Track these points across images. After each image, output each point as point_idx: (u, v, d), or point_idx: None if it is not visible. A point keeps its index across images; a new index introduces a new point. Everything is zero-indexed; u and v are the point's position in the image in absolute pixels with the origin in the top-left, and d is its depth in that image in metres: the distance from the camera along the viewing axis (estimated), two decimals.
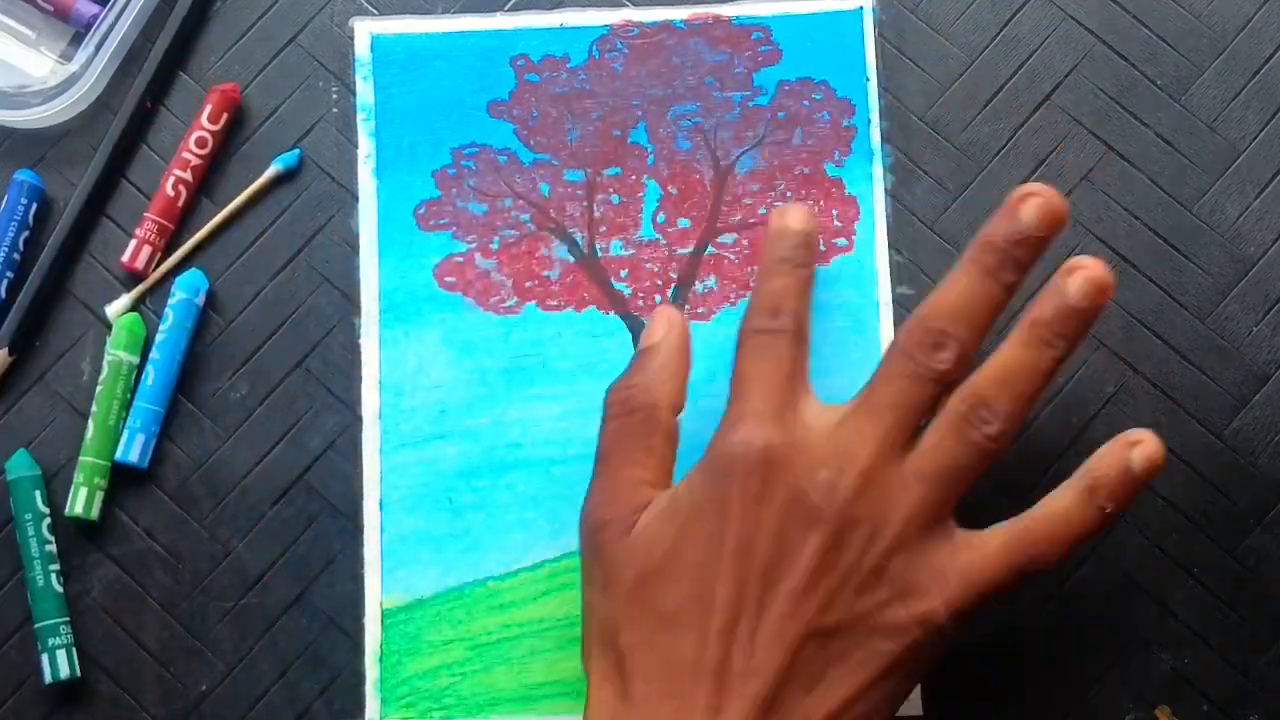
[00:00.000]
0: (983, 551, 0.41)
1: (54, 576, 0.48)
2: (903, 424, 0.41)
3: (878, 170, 0.51)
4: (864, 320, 0.50)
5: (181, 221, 0.51)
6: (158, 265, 0.51)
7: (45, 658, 0.48)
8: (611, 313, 0.50)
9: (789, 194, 0.51)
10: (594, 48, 0.52)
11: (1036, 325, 0.42)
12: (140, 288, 0.51)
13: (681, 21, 0.52)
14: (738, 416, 0.42)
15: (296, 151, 0.51)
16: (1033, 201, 0.42)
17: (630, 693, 0.40)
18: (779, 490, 0.41)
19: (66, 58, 0.52)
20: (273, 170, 0.51)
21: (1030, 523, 0.42)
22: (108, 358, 0.49)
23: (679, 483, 0.43)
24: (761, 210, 0.51)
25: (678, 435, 0.44)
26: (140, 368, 0.50)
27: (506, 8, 0.53)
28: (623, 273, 0.51)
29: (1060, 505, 0.41)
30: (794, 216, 0.46)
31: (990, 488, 0.49)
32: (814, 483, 0.41)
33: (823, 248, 0.51)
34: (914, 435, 0.42)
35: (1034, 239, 0.42)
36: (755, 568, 0.40)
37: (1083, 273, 0.41)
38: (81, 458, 0.49)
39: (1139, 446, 0.41)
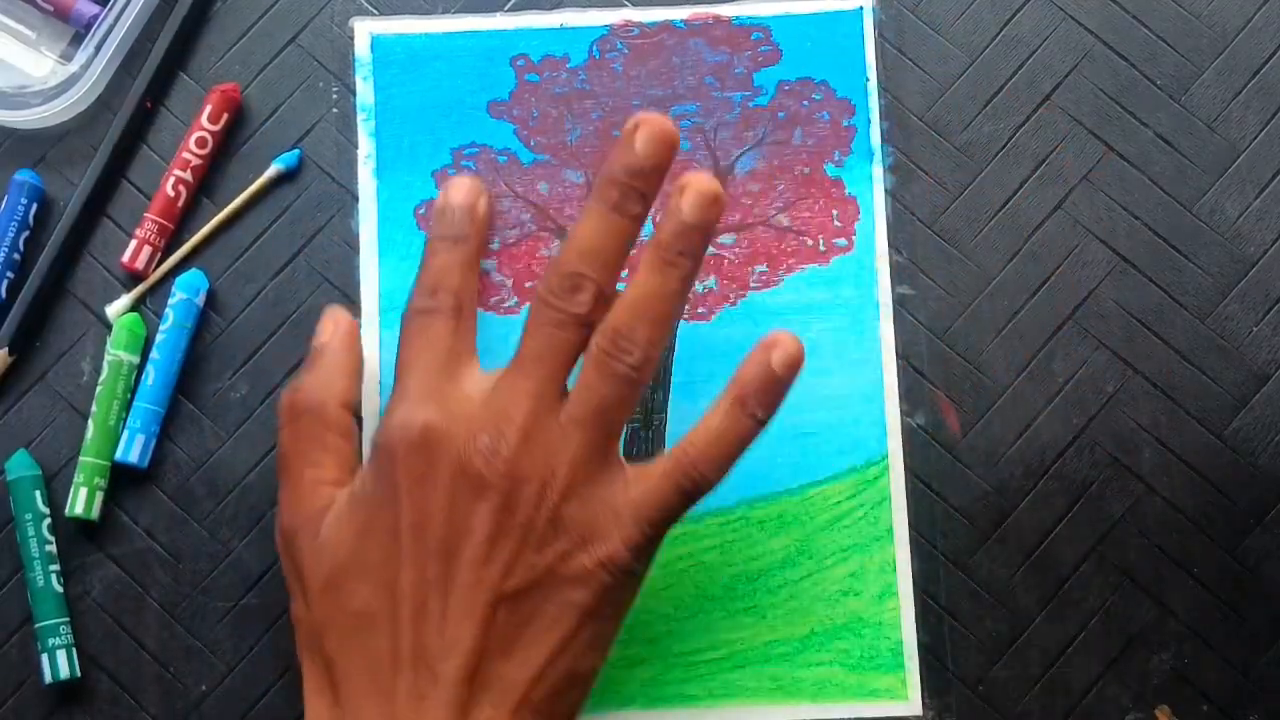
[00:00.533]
0: (648, 483, 0.41)
1: (54, 576, 0.48)
2: (554, 374, 0.42)
3: (878, 170, 0.51)
4: (864, 320, 0.50)
5: (181, 221, 0.51)
6: (158, 265, 0.51)
7: (45, 658, 0.48)
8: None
9: (789, 194, 0.51)
10: (594, 48, 0.52)
11: (659, 248, 0.42)
12: (140, 288, 0.51)
13: (681, 21, 0.52)
14: (396, 401, 0.42)
15: (296, 151, 0.51)
16: (643, 131, 0.42)
17: (340, 697, 0.41)
18: (442, 465, 0.41)
19: (66, 58, 0.52)
20: (273, 170, 0.51)
21: (687, 445, 0.42)
22: (108, 358, 0.49)
23: (355, 478, 0.43)
24: (772, 214, 0.51)
25: (354, 431, 0.44)
26: (140, 368, 0.50)
27: (506, 8, 0.53)
28: (622, 273, 0.51)
29: (714, 421, 0.42)
30: (456, 190, 0.46)
31: (990, 489, 0.49)
32: (475, 450, 0.41)
33: (823, 248, 0.51)
34: (565, 384, 0.42)
35: (650, 167, 0.42)
36: (431, 546, 0.40)
37: (693, 188, 0.42)
38: (81, 458, 0.49)
39: (777, 349, 0.42)
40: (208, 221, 0.51)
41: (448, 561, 0.40)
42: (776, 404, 0.42)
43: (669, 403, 0.49)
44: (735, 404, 0.42)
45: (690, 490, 0.42)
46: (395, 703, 0.40)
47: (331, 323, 0.46)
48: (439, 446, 0.41)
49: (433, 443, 0.41)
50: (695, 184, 0.42)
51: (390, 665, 0.40)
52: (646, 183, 0.42)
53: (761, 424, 0.42)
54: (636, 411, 0.49)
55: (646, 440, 0.49)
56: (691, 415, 0.49)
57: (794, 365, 0.42)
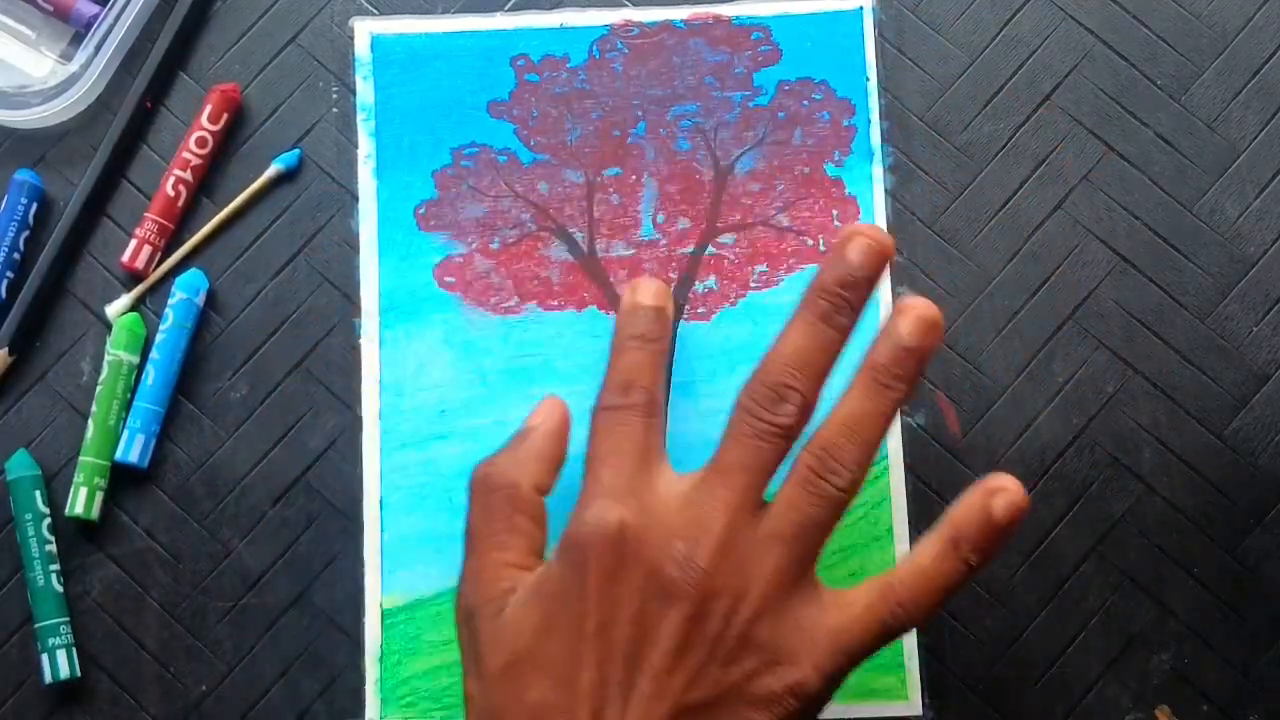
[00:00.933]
0: (849, 613, 0.40)
1: (54, 576, 0.48)
2: (753, 485, 0.41)
3: (878, 170, 0.51)
4: (864, 321, 0.50)
5: (181, 221, 0.51)
6: (158, 265, 0.51)
7: (45, 658, 0.48)
8: (611, 313, 0.50)
9: (789, 194, 0.51)
10: (594, 48, 0.52)
11: (874, 370, 0.41)
12: (140, 288, 0.51)
13: (681, 21, 0.52)
14: (590, 496, 0.41)
15: (296, 151, 0.51)
16: (858, 242, 0.41)
17: None
18: (634, 568, 0.40)
19: (66, 58, 0.52)
20: (273, 170, 0.51)
21: (895, 580, 0.40)
22: (108, 358, 0.49)
23: (544, 564, 0.42)
24: (772, 214, 0.51)
25: (545, 516, 0.44)
26: (140, 368, 0.50)
27: (506, 8, 0.53)
28: (623, 273, 0.51)
29: (924, 560, 0.40)
30: (645, 292, 0.45)
31: None
32: (669, 556, 0.40)
33: (823, 248, 0.51)
34: (765, 494, 0.41)
35: (863, 279, 0.41)
36: (617, 650, 0.39)
37: (912, 312, 0.41)
38: (81, 458, 0.49)
39: (1000, 495, 0.40)
40: (208, 221, 0.51)
41: (631, 667, 0.39)
42: (994, 554, 0.40)
43: (669, 403, 0.49)
44: (949, 546, 0.40)
45: (894, 629, 0.40)
46: None
47: (546, 409, 0.46)
48: (632, 547, 0.40)
49: (627, 543, 0.40)
50: (916, 308, 0.41)
51: None
52: (857, 294, 0.41)
53: (974, 571, 0.40)
54: None
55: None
56: (692, 415, 0.49)
57: (1018, 514, 0.40)
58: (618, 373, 0.44)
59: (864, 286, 0.42)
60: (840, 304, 0.41)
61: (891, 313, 0.42)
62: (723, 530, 0.40)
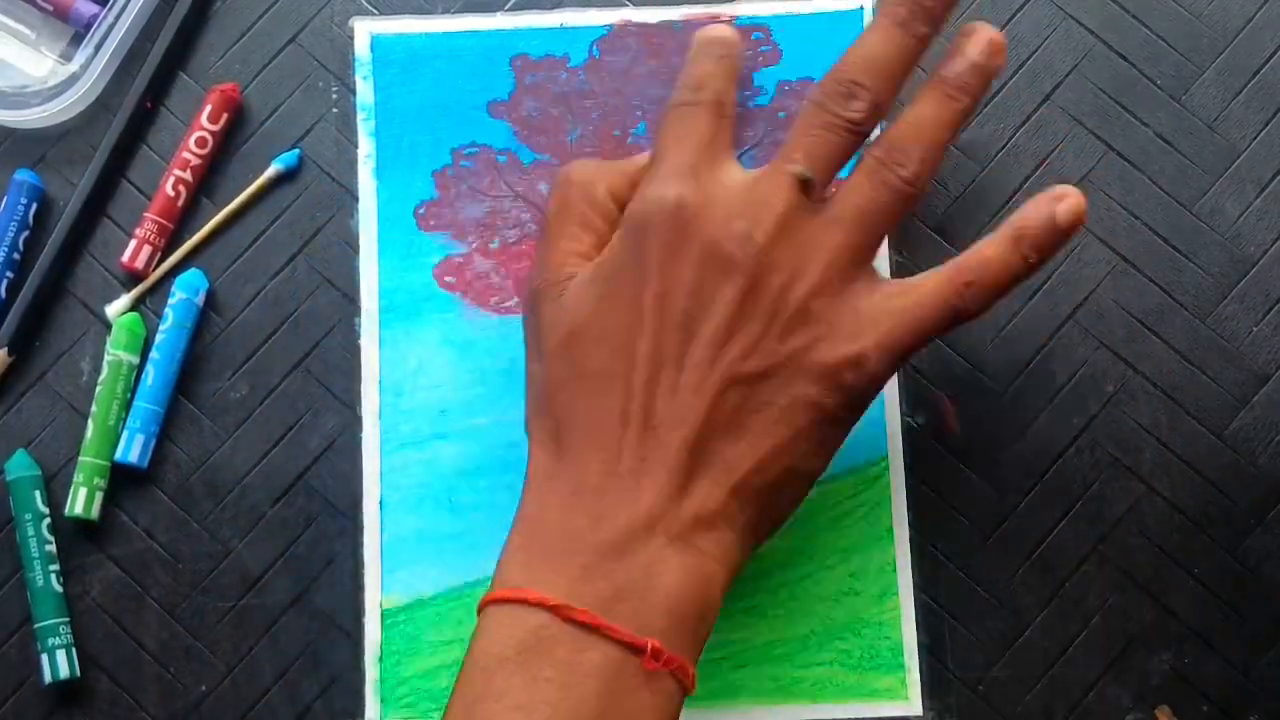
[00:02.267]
0: (916, 292, 0.42)
1: (54, 576, 0.48)
2: (818, 173, 0.42)
3: None
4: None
5: (181, 221, 0.51)
6: (157, 265, 0.51)
7: (45, 658, 0.48)
8: None
9: None
10: (594, 48, 0.52)
11: (943, 81, 0.43)
12: (140, 288, 0.51)
13: (681, 21, 0.52)
14: (653, 176, 0.43)
15: (296, 151, 0.51)
16: None
17: (563, 450, 0.41)
18: (693, 242, 0.41)
19: (66, 58, 0.52)
20: (273, 170, 0.51)
21: (961, 264, 0.42)
22: (107, 358, 0.49)
23: (605, 249, 0.43)
24: None
25: (616, 218, 0.44)
26: (140, 368, 0.50)
27: (506, 8, 0.53)
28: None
29: (989, 251, 0.42)
30: (718, 29, 0.46)
31: (990, 491, 0.49)
32: (729, 233, 0.41)
33: None
34: (828, 185, 0.43)
35: None
36: (673, 320, 0.41)
37: (983, 34, 0.43)
38: (81, 458, 0.49)
39: (1065, 200, 0.42)
40: (207, 221, 0.51)
41: (687, 336, 0.41)
42: (1051, 254, 0.43)
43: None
44: (1013, 241, 0.42)
45: (960, 312, 0.42)
46: (620, 459, 0.40)
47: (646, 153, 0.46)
48: (693, 223, 0.41)
49: (687, 219, 0.41)
50: (985, 31, 0.43)
51: (619, 424, 0.40)
52: (938, 4, 0.43)
53: (1032, 269, 0.42)
54: None
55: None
56: None
57: (1079, 220, 0.43)
58: (690, 75, 0.45)
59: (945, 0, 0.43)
60: (919, 11, 0.43)
61: (958, 35, 0.44)
62: (783, 211, 0.41)
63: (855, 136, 0.42)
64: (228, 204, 0.51)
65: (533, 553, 0.41)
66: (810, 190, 0.42)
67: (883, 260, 0.50)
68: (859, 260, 0.42)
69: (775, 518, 0.43)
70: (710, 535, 0.40)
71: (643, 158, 0.46)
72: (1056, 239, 0.42)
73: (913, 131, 0.42)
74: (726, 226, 0.41)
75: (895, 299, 0.42)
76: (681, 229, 0.41)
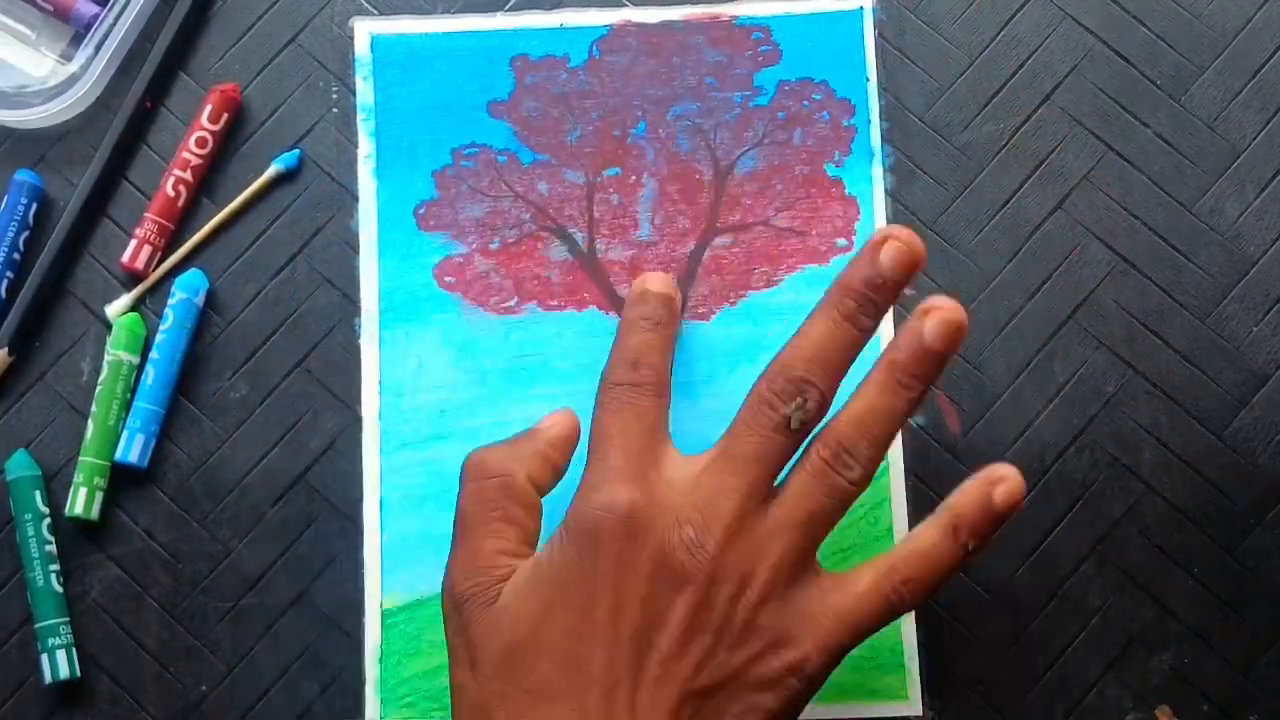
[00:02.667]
0: (853, 591, 0.41)
1: (54, 576, 0.48)
2: (766, 475, 0.41)
3: (878, 170, 0.51)
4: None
5: (181, 221, 0.51)
6: (157, 265, 0.51)
7: (45, 658, 0.48)
8: (612, 313, 0.50)
9: (788, 194, 0.51)
10: (594, 48, 0.52)
11: (894, 368, 0.41)
12: (141, 288, 0.51)
13: (681, 22, 0.52)
14: (599, 477, 0.41)
15: (296, 152, 0.51)
16: (891, 245, 0.41)
17: None
18: (644, 553, 0.40)
19: (66, 58, 0.52)
20: (273, 170, 0.51)
21: (897, 560, 0.41)
22: (108, 358, 0.49)
23: (541, 549, 0.42)
24: (772, 215, 0.51)
25: (540, 510, 0.43)
26: (140, 368, 0.50)
27: (506, 8, 0.53)
28: (622, 273, 0.51)
29: (925, 542, 0.41)
30: (655, 281, 0.45)
31: None
32: (680, 541, 0.40)
33: (823, 248, 0.51)
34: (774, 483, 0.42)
35: (891, 283, 0.41)
36: (626, 635, 0.39)
37: (938, 314, 0.41)
38: (81, 458, 0.49)
39: (1001, 485, 0.41)
40: (207, 221, 0.51)
41: (641, 652, 0.39)
42: (989, 539, 0.41)
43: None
44: (950, 531, 0.41)
45: (897, 609, 0.41)
46: None
47: (558, 416, 0.45)
48: (642, 532, 0.40)
49: (636, 527, 0.40)
50: (943, 310, 0.41)
51: None
52: (884, 297, 0.41)
53: (971, 557, 0.41)
54: None
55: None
56: (691, 415, 0.49)
57: (1017, 503, 0.41)
58: (627, 350, 0.44)
59: (891, 290, 0.41)
60: (866, 304, 0.41)
61: (917, 310, 0.41)
62: (732, 517, 0.40)
63: (803, 436, 0.41)
64: (228, 204, 0.51)
65: None
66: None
67: None
68: (805, 560, 0.41)
69: None
70: None
71: (553, 430, 0.44)
72: (994, 525, 0.41)
73: (861, 428, 0.41)
74: (677, 534, 0.40)
75: (833, 596, 0.41)
76: (632, 538, 0.40)
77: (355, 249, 0.51)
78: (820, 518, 0.41)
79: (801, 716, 0.47)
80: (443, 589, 0.42)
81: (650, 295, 0.45)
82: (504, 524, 0.42)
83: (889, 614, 0.41)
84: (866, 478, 0.41)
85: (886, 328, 0.50)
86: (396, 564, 0.49)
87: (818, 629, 0.41)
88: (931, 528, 0.41)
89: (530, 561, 0.41)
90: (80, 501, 0.48)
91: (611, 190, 0.51)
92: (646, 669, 0.39)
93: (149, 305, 0.51)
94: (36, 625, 0.48)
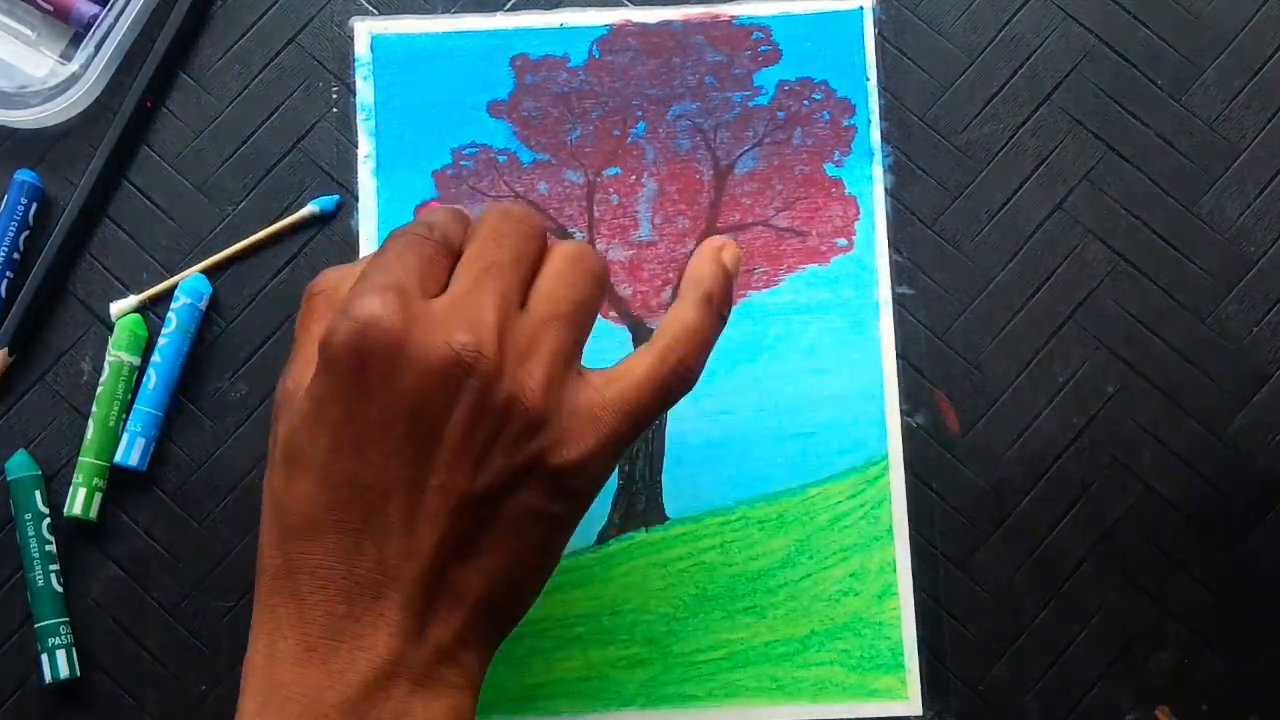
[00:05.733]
0: (629, 382, 0.41)
1: (54, 576, 0.48)
2: (523, 279, 0.41)
3: (878, 170, 0.51)
4: (864, 320, 0.50)
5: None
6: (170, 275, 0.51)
7: (45, 658, 0.48)
8: (611, 313, 0.50)
9: (789, 194, 0.51)
10: (594, 48, 0.52)
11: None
12: (149, 293, 0.50)
13: (681, 22, 0.52)
14: (361, 290, 0.39)
15: (336, 197, 0.51)
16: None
17: (291, 590, 0.38)
18: (411, 365, 0.38)
19: (66, 58, 0.52)
20: (308, 210, 0.51)
21: (669, 342, 0.42)
22: (109, 359, 0.49)
23: (320, 343, 0.39)
24: (772, 214, 0.51)
25: None
26: (141, 369, 0.50)
27: (506, 8, 0.53)
28: (623, 273, 0.51)
29: (689, 318, 0.42)
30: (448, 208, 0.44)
31: (990, 489, 0.49)
32: (446, 346, 0.38)
33: (823, 248, 0.51)
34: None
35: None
36: (393, 447, 0.38)
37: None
38: (81, 459, 0.49)
39: (725, 250, 0.43)
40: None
41: (414, 463, 0.38)
42: (731, 302, 0.44)
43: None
44: (705, 302, 0.42)
45: (676, 391, 0.42)
46: (351, 602, 0.38)
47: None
48: (408, 344, 0.38)
49: (400, 340, 0.38)
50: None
51: (345, 564, 0.38)
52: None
53: (724, 321, 0.43)
54: None
55: (646, 439, 0.49)
56: (692, 415, 0.49)
57: (739, 264, 0.44)
58: (426, 216, 0.42)
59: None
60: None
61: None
62: (499, 318, 0.39)
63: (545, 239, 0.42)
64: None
65: (270, 717, 0.38)
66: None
67: (883, 259, 0.50)
68: (574, 357, 0.41)
69: (514, 620, 0.41)
70: (454, 666, 0.39)
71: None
72: (732, 287, 0.44)
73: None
74: (443, 339, 0.38)
75: (609, 390, 0.41)
76: (396, 349, 0.38)
77: (355, 249, 0.51)
78: (584, 306, 0.41)
79: (800, 716, 0.47)
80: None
81: (513, 208, 0.44)
82: (318, 334, 0.40)
83: (668, 398, 0.42)
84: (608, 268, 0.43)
85: (887, 324, 0.50)
86: None
87: (597, 423, 0.40)
88: (687, 306, 0.42)
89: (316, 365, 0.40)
90: (79, 502, 0.48)
91: (611, 190, 0.51)
92: (422, 479, 0.38)
93: (150, 306, 0.51)
94: (36, 625, 0.48)
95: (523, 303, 0.41)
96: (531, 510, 0.39)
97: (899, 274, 0.50)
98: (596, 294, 0.42)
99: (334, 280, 0.42)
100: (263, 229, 0.51)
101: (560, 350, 0.40)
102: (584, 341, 0.41)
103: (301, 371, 0.41)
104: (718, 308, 0.43)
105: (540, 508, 0.39)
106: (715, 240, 0.44)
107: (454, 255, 0.41)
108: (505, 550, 0.39)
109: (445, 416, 0.38)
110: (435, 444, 0.38)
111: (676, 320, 0.42)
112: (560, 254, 0.42)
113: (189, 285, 0.50)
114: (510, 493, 0.39)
